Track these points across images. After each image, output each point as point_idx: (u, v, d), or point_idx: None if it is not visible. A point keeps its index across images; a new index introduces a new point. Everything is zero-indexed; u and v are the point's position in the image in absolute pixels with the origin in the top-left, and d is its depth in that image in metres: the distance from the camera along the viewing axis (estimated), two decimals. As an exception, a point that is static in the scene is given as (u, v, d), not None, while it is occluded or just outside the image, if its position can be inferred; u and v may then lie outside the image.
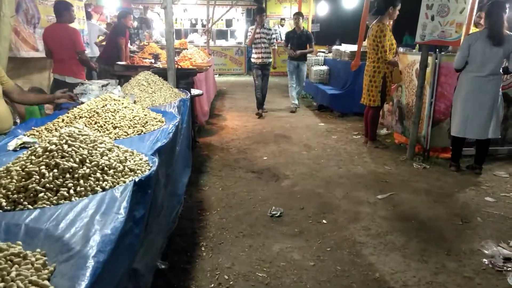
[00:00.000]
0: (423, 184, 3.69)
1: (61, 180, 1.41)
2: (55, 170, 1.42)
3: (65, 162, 1.45)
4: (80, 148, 1.54)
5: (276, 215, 2.99)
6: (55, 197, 1.37)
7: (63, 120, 2.32)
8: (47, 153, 1.47)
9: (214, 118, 6.53)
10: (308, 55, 9.08)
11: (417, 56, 4.51)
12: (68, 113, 2.37)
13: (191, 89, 4.72)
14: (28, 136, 2.23)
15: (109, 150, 1.66)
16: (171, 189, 2.62)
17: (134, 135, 2.30)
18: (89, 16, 7.98)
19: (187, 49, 6.98)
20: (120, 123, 2.33)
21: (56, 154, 1.47)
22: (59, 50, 4.67)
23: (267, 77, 6.73)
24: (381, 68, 4.54)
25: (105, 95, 2.54)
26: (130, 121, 2.39)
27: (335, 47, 7.69)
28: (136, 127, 2.37)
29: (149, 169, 1.72)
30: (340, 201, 3.27)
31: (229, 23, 14.14)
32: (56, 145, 1.50)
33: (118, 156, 1.65)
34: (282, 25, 13.80)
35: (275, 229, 2.80)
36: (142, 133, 2.33)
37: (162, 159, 2.06)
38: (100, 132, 2.23)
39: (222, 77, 12.61)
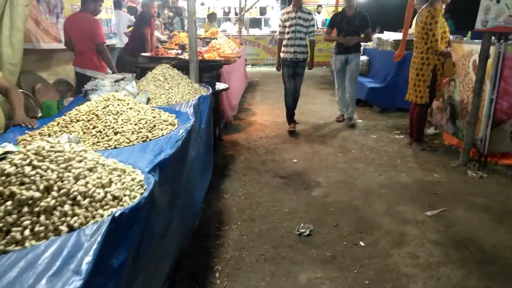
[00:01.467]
0: (481, 198, 3.13)
1: (15, 216, 1.08)
2: (8, 203, 1.09)
3: (23, 191, 1.11)
4: (49, 171, 1.20)
5: (305, 234, 2.57)
6: (3, 241, 1.03)
7: (58, 123, 2.01)
8: (3, 177, 1.14)
9: (243, 112, 6.14)
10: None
11: (475, 45, 3.88)
12: (65, 115, 2.07)
13: (217, 83, 4.36)
14: (20, 141, 1.95)
15: (90, 170, 1.32)
16: (184, 201, 2.27)
17: (138, 142, 1.95)
18: (118, 5, 7.79)
19: (216, 39, 6.60)
20: (122, 127, 1.99)
21: (15, 180, 1.14)
22: (79, 41, 4.45)
23: (301, 78, 5.01)
24: (431, 59, 3.94)
25: (108, 94, 2.21)
26: (135, 125, 2.05)
27: (376, 35, 7.03)
28: (141, 132, 2.03)
29: (141, 194, 1.36)
30: (381, 218, 2.80)
31: (263, 11, 13.64)
32: (17, 167, 1.17)
33: (100, 178, 1.30)
34: (319, 12, 13.13)
35: (303, 252, 2.39)
36: (148, 140, 1.99)
37: (166, 174, 1.70)
38: (98, 138, 1.91)
39: (255, 67, 12.19)
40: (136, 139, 1.97)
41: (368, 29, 4.98)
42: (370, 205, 2.99)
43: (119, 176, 1.39)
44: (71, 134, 1.93)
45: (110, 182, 1.33)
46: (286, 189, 3.30)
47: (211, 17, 11.26)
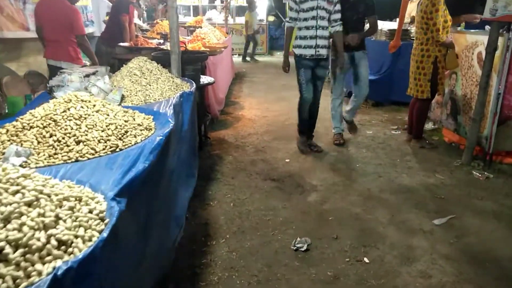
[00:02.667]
0: (490, 202, 2.89)
1: None
2: None
3: None
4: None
5: (302, 249, 2.29)
6: None
7: (7, 131, 1.66)
8: None
9: (230, 106, 5.80)
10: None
11: (480, 36, 3.62)
12: (17, 120, 1.71)
13: (202, 76, 4.01)
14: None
15: (29, 205, 0.99)
16: (164, 217, 1.96)
17: (105, 153, 1.62)
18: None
19: (201, 28, 6.21)
20: (86, 135, 1.65)
21: None
22: (53, 29, 4.00)
23: (323, 83, 3.99)
24: (432, 51, 3.66)
25: (70, 94, 1.85)
26: (102, 131, 1.71)
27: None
28: (109, 140, 1.69)
29: (101, 231, 1.05)
30: (385, 228, 2.53)
31: (250, -1, 13.15)
32: None
33: (43, 215, 0.98)
34: None
35: (301, 272, 2.11)
36: (117, 150, 1.66)
37: (137, 196, 1.39)
38: (55, 149, 1.57)
39: (241, 57, 11.78)
40: (103, 149, 1.63)
41: (374, 16, 3.95)
42: (371, 213, 2.72)
43: (72, 208, 1.06)
44: (21, 144, 1.58)
45: (57, 219, 1.00)
46: (279, 194, 3.00)
47: (252, 5, 10.84)
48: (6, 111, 3.50)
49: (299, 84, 3.88)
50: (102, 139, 1.67)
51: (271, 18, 13.26)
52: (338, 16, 3.60)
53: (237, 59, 11.55)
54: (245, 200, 2.90)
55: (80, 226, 1.03)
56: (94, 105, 1.83)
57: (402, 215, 2.70)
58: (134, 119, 1.96)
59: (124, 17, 4.84)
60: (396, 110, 5.49)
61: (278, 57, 12.29)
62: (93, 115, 1.77)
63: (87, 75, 2.80)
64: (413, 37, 5.56)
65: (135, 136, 1.80)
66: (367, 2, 3.87)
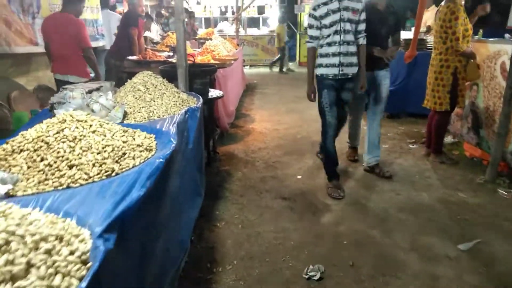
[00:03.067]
0: (519, 224, 2.67)
1: None
2: None
3: None
4: None
5: (315, 278, 2.11)
6: None
7: (-4, 154, 1.55)
8: None
9: (240, 119, 5.68)
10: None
11: (504, 45, 3.43)
12: (7, 143, 1.60)
13: (211, 90, 3.90)
14: None
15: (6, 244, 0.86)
16: (166, 243, 1.82)
17: (100, 178, 1.49)
18: (105, 4, 7.32)
19: (210, 40, 6.13)
20: (80, 158, 1.53)
21: None
22: (61, 45, 3.98)
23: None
24: (451, 61, 3.48)
25: (65, 113, 1.74)
26: (98, 154, 1.59)
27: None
28: (105, 164, 1.56)
29: (81, 278, 0.91)
30: (405, 255, 2.33)
31: (261, 9, 13.15)
32: None
33: (11, 263, 0.84)
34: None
35: (314, 305, 1.93)
36: (113, 175, 1.53)
37: (131, 227, 1.26)
38: (46, 174, 1.45)
39: (253, 68, 11.74)
40: (98, 173, 1.50)
41: (400, 31, 3.53)
42: (390, 236, 2.53)
43: (49, 251, 0.93)
44: (10, 169, 1.47)
45: (29, 267, 0.86)
46: (290, 215, 2.83)
47: (282, 17, 11.06)
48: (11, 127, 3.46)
49: (320, 108, 3.21)
50: (97, 162, 1.54)
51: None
52: (363, 27, 3.07)
53: (248, 70, 11.50)
54: (254, 221, 2.74)
55: (56, 273, 0.89)
56: (90, 125, 1.71)
57: (423, 238, 2.49)
58: (134, 139, 1.83)
59: (133, 31, 4.79)
60: (413, 122, 5.28)
61: (290, 67, 12.18)
62: (89, 136, 1.65)
63: (90, 91, 2.71)
64: (429, 46, 5.39)
65: (133, 159, 1.67)
66: (398, 16, 3.44)
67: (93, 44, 5.75)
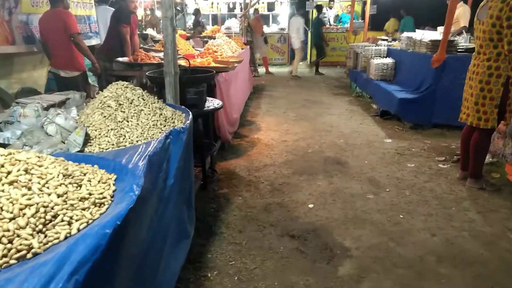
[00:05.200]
0: None
1: None
2: None
3: None
4: None
5: None
6: None
7: None
8: None
9: (245, 127, 5.12)
10: (366, 43, 7.37)
11: None
12: None
13: (208, 98, 3.34)
14: None
15: None
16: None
17: (6, 263, 0.95)
18: (104, 0, 6.81)
19: (214, 39, 5.57)
20: (-22, 230, 0.98)
21: None
22: (55, 40, 4.01)
23: None
24: (503, 69, 2.85)
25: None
26: (10, 221, 1.05)
27: (405, 34, 5.94)
28: (19, 236, 1.02)
29: None
30: (454, 334, 1.76)
31: (271, 6, 12.55)
32: None
33: None
34: (331, 8, 12.04)
35: None
36: (28, 256, 0.99)
37: None
38: None
39: (261, 68, 11.12)
40: (3, 256, 0.96)
41: None
42: (430, 300, 1.95)
43: None
44: None
45: None
46: (300, 262, 2.26)
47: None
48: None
49: None
50: (5, 237, 1.00)
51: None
52: None
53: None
54: (254, 271, 2.17)
55: None
56: (8, 172, 1.17)
57: (475, 307, 1.91)
58: (79, 186, 1.30)
59: (124, 28, 4.25)
60: (440, 134, 4.66)
61: (300, 67, 11.56)
62: (2, 191, 1.10)
63: (50, 107, 2.18)
64: (460, 49, 4.76)
65: (69, 224, 1.13)
66: None
67: (86, 42, 5.23)
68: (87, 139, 1.84)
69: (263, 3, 12.09)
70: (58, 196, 1.18)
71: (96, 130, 1.88)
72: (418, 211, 2.85)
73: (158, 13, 11.34)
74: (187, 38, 6.69)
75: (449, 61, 4.51)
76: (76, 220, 1.14)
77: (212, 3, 12.62)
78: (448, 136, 4.59)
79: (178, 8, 12.98)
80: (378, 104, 5.76)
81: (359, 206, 2.93)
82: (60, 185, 1.24)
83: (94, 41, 5.58)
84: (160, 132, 1.93)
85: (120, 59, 3.97)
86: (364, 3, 10.95)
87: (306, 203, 2.98)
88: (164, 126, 2.01)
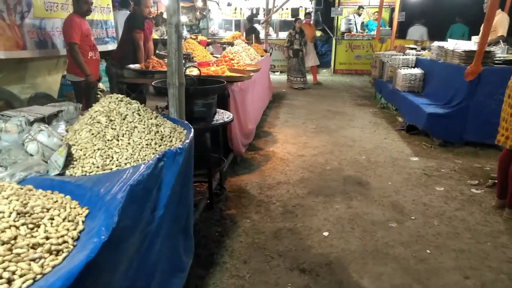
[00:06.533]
0: None
1: None
2: None
3: None
4: None
5: None
6: None
7: None
8: None
9: (261, 138, 4.87)
10: (393, 51, 7.01)
11: None
12: None
13: (219, 111, 3.13)
14: None
15: None
16: None
17: None
18: (126, 5, 6.76)
19: (232, 46, 5.36)
20: None
21: None
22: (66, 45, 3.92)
23: None
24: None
25: None
26: None
27: (436, 43, 5.55)
28: None
29: None
30: None
31: (295, 12, 12.29)
32: None
33: None
34: (359, 15, 11.69)
35: None
36: None
37: None
38: None
39: (283, 75, 10.86)
40: None
41: None
42: None
43: None
44: None
45: None
46: (310, 304, 1.99)
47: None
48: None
49: None
50: None
51: (318, 33, 12.29)
52: None
53: (277, 77, 10.69)
54: (257, 313, 1.91)
55: None
56: None
57: None
58: (36, 227, 1.08)
59: (137, 34, 4.10)
60: (473, 153, 4.26)
61: (323, 74, 11.26)
62: None
63: (40, 120, 1.99)
64: (497, 60, 4.37)
65: (8, 282, 0.91)
66: None
67: (102, 48, 5.15)
68: (70, 159, 1.64)
69: (287, 8, 11.87)
70: (3, 243, 0.97)
71: (81, 150, 1.67)
72: (448, 246, 2.51)
73: (183, 18, 11.33)
74: (207, 44, 6.52)
75: (485, 73, 4.13)
76: (20, 276, 0.93)
77: (236, 9, 12.49)
78: (481, 155, 4.19)
79: (203, 13, 12.96)
80: (404, 118, 5.39)
81: (380, 236, 2.62)
82: (10, 227, 1.03)
83: (111, 46, 5.49)
84: (153, 153, 1.70)
85: (131, 66, 3.81)
86: (392, 10, 10.54)
87: (320, 230, 2.69)
88: (160, 145, 1.79)
